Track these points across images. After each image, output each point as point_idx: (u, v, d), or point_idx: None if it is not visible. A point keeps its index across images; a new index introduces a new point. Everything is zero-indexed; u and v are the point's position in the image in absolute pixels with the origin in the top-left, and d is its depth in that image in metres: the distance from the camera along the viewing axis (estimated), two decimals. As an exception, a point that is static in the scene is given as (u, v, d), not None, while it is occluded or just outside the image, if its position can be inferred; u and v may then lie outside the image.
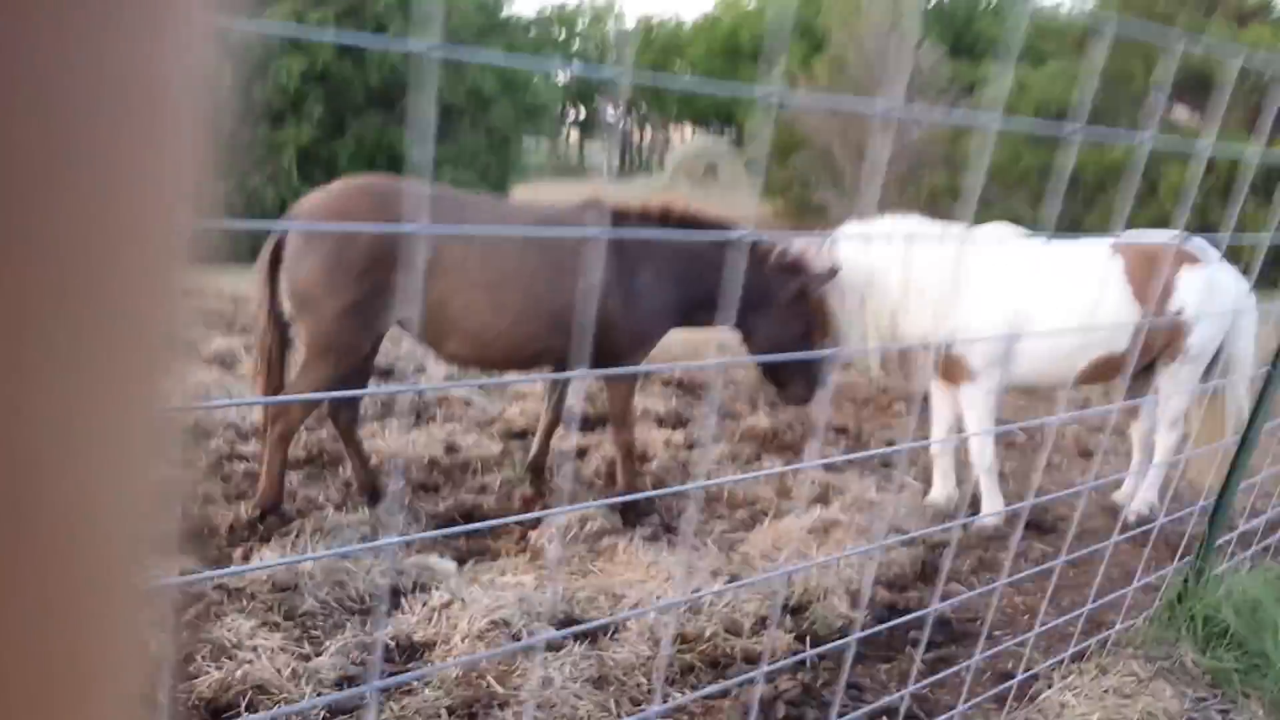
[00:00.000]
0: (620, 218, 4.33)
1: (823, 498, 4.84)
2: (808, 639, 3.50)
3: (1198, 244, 4.76)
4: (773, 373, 4.82)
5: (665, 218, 4.40)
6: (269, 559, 3.64)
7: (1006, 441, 6.13)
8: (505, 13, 17.99)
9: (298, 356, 3.99)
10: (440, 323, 3.95)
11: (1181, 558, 3.75)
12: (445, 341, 4.03)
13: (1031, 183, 19.82)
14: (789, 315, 4.50)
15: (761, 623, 3.55)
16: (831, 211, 23.04)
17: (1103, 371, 4.77)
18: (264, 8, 13.91)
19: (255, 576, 3.52)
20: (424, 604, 3.48)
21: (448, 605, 3.46)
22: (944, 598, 3.99)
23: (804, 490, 4.95)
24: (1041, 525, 4.85)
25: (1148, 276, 4.53)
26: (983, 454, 4.75)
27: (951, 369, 4.81)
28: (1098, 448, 6.03)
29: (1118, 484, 5.32)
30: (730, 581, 3.73)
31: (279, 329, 3.98)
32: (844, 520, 4.35)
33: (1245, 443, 3.40)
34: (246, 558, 3.74)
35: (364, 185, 3.85)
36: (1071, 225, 19.33)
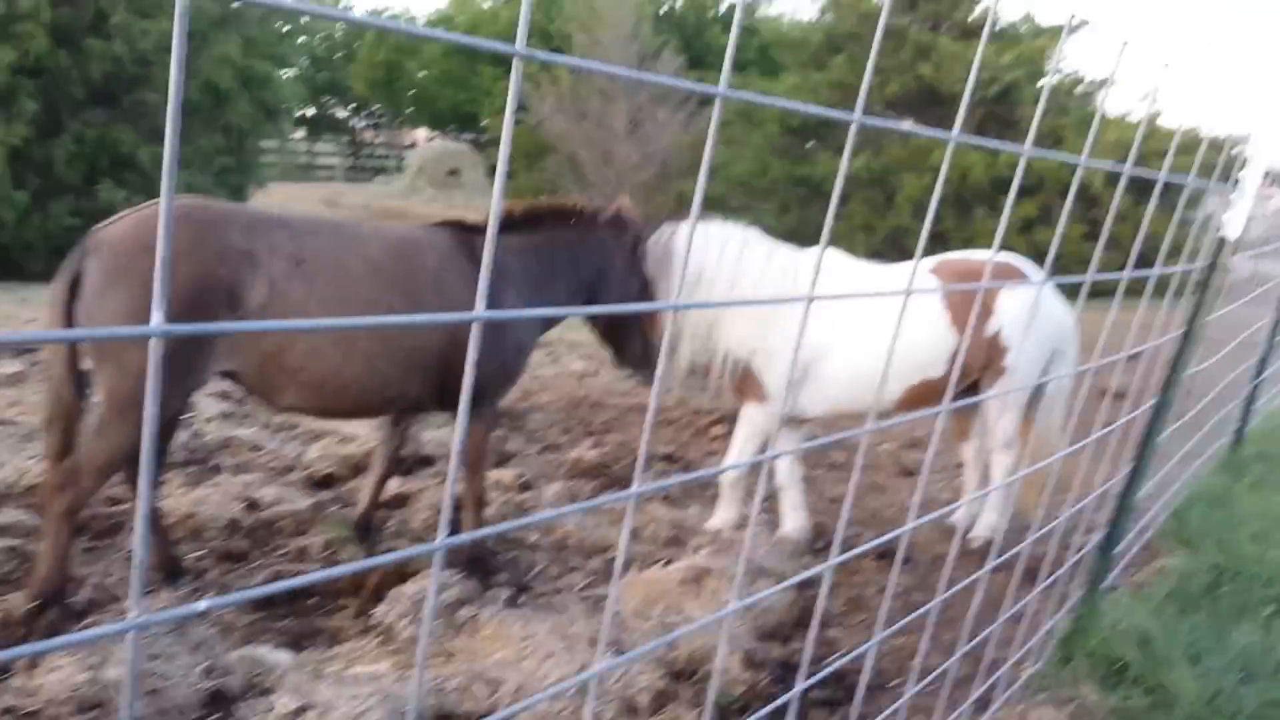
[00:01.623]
0: (478, 231, 3.87)
1: (676, 539, 4.54)
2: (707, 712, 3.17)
3: (1019, 263, 4.76)
4: (611, 335, 4.55)
5: (531, 218, 4.01)
6: (66, 670, 2.92)
7: (829, 463, 6.06)
8: (238, 2, 16.58)
9: (95, 412, 3.24)
10: (277, 371, 3.31)
11: (1043, 585, 3.71)
12: (281, 393, 3.39)
13: (778, 193, 20.46)
14: (626, 274, 4.31)
15: (660, 697, 3.20)
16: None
17: (923, 396, 4.66)
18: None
19: (51, 696, 2.81)
20: (268, 713, 2.90)
21: (300, 713, 2.88)
22: (822, 646, 3.81)
23: (654, 530, 4.63)
24: (889, 552, 4.75)
25: (965, 299, 4.51)
26: (784, 473, 4.79)
27: (747, 386, 4.68)
28: (919, 466, 6.07)
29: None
30: (619, 652, 3.36)
31: (74, 379, 3.23)
32: (713, 567, 4.06)
33: (1137, 472, 3.36)
34: (33, 668, 2.99)
35: (183, 209, 3.14)
36: (817, 232, 20.15)
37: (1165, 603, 3.86)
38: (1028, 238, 17.01)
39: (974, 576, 2.80)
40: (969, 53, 17.83)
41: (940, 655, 3.48)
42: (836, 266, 4.75)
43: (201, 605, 1.03)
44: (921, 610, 2.42)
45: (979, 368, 4.71)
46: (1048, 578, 3.63)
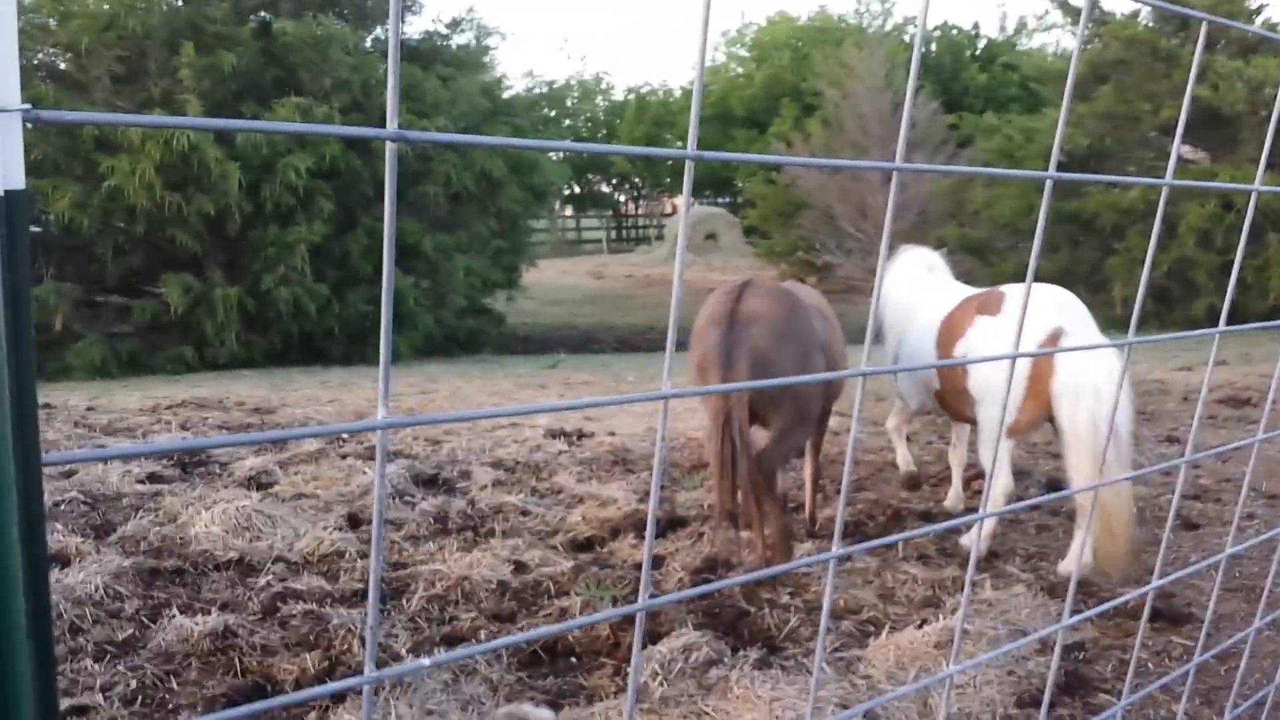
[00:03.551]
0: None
1: (933, 600, 4.43)
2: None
3: (1009, 293, 4.97)
4: None
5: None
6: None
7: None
8: (507, 95, 17.92)
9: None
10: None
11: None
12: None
13: (1047, 231, 19.56)
14: None
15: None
16: (838, 272, 22.81)
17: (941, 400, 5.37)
18: (266, 107, 13.79)
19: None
20: (530, 768, 3.07)
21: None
22: (1088, 714, 3.61)
23: (909, 590, 4.54)
24: (1165, 613, 4.42)
25: (954, 322, 5.07)
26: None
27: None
28: (1202, 519, 5.64)
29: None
30: (865, 715, 3.32)
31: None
32: (970, 629, 3.94)
33: None
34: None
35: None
36: (1091, 272, 19.07)
37: None
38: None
39: (1242, 634, 2.61)
40: (1250, 69, 16.49)
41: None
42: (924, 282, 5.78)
43: (427, 661, 1.16)
44: (1178, 672, 2.29)
45: (949, 389, 5.15)
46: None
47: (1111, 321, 18.41)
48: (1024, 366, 4.52)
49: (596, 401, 1.20)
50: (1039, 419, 4.70)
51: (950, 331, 5.04)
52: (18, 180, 0.79)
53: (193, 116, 12.66)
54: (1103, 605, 2.08)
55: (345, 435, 7.22)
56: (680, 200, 45.85)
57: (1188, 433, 7.72)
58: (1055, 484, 6.28)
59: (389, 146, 0.97)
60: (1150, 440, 7.44)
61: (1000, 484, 4.80)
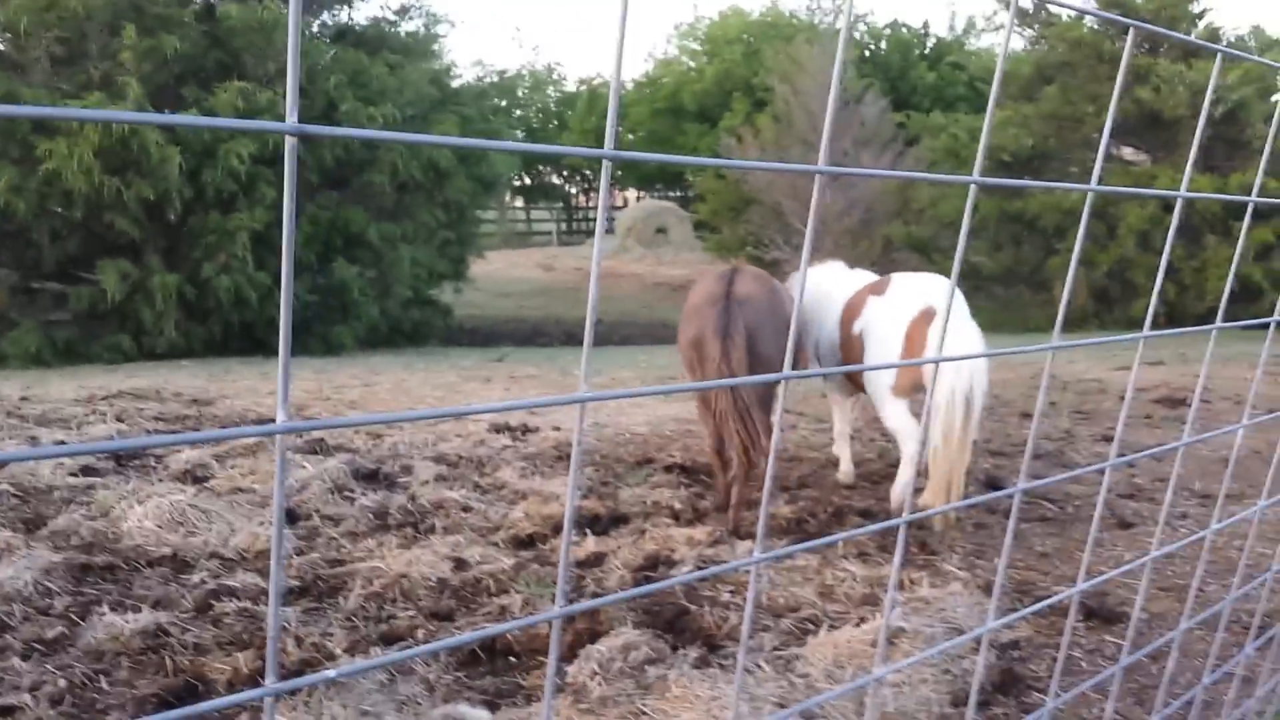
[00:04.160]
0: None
1: (871, 598, 4.46)
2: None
3: (895, 278, 5.67)
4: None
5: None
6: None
7: (1039, 515, 5.81)
8: (456, 84, 17.73)
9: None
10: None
11: (1255, 642, 3.43)
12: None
13: (990, 230, 19.83)
14: None
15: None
16: (785, 267, 22.94)
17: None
18: (209, 91, 13.52)
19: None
20: (467, 768, 3.05)
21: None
22: (1022, 713, 3.66)
23: (848, 588, 4.57)
24: (1098, 612, 4.49)
25: (852, 304, 5.73)
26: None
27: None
28: (1137, 518, 5.74)
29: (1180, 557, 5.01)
30: (802, 715, 3.34)
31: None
32: (908, 627, 3.98)
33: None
34: (253, 723, 3.27)
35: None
36: (1033, 272, 19.35)
37: None
38: (1264, 265, 15.80)
39: (1171, 634, 2.66)
40: (1191, 73, 16.82)
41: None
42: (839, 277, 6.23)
43: (331, 674, 1.12)
44: (1107, 673, 2.32)
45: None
46: (1260, 635, 3.37)
47: (1051, 321, 18.73)
48: (901, 338, 5.24)
49: (510, 405, 1.18)
50: (916, 380, 5.34)
51: (850, 312, 5.73)
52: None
53: (128, 100, 12.39)
54: (1035, 605, 2.10)
55: (285, 428, 7.11)
56: (630, 192, 45.83)
57: (1122, 432, 7.87)
58: (995, 482, 6.37)
59: (288, 141, 0.94)
60: (1086, 439, 7.56)
61: (907, 437, 5.40)
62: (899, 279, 5.63)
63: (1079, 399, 9.24)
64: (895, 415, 5.43)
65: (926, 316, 5.18)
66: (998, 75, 1.50)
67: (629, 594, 1.43)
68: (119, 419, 7.60)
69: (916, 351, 5.13)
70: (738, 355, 5.04)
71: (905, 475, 5.51)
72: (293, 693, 3.39)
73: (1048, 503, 5.98)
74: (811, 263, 6.33)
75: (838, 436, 6.48)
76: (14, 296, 13.66)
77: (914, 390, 5.44)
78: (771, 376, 1.36)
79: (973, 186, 1.56)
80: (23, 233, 13.54)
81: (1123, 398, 9.22)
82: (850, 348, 5.65)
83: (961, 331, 5.06)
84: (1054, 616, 4.35)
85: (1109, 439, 7.58)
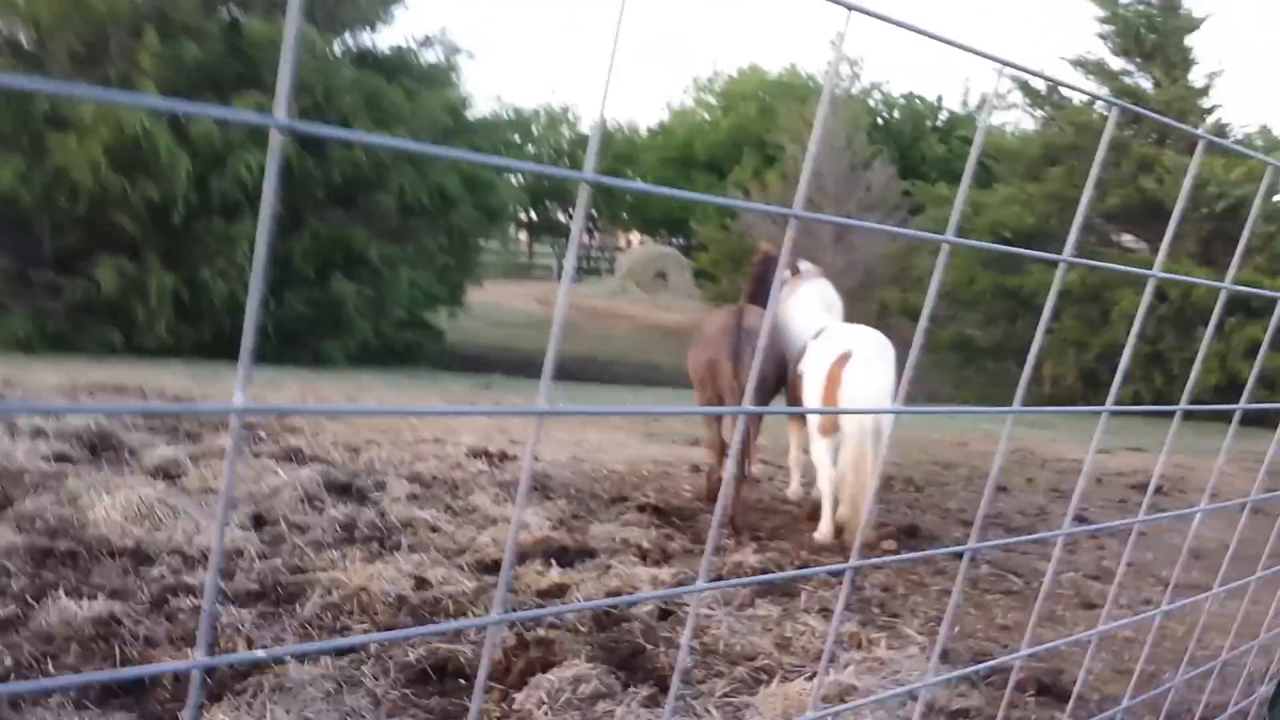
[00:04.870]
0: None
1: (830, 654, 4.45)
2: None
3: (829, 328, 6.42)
4: None
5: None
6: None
7: (1004, 589, 5.82)
8: (471, 116, 17.94)
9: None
10: None
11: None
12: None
13: (985, 303, 19.97)
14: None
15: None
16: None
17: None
18: (225, 101, 13.64)
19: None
20: (401, 785, 3.03)
21: (430, 789, 3.01)
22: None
23: (806, 641, 4.57)
24: (1052, 689, 4.49)
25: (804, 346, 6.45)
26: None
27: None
28: (1102, 600, 5.75)
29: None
30: (747, 761, 3.33)
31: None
32: (859, 685, 3.97)
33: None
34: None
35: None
36: (1025, 348, 19.44)
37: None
38: (1250, 363, 15.89)
39: (1111, 712, 2.66)
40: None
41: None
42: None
43: (262, 653, 1.14)
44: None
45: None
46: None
47: (1039, 399, 18.79)
48: (823, 378, 5.99)
49: (460, 410, 1.21)
50: (835, 421, 6.03)
51: (800, 354, 6.42)
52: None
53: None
54: (976, 667, 2.11)
55: (263, 435, 7.12)
56: (634, 235, 46.11)
57: (1096, 514, 7.89)
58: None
59: (274, 136, 0.97)
60: (1058, 515, 7.58)
61: (822, 473, 6.23)
62: (833, 327, 6.39)
63: (1057, 477, 9.27)
64: (817, 452, 6.21)
65: (844, 360, 5.92)
66: (976, 144, 1.54)
67: (564, 608, 1.44)
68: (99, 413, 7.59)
69: (834, 390, 5.88)
70: (745, 374, 5.87)
71: (825, 510, 6.24)
72: (236, 692, 3.38)
73: (1014, 576, 5.99)
74: (808, 279, 7.11)
75: (792, 463, 7.36)
76: (9, 283, 13.68)
77: (834, 429, 6.12)
78: (730, 409, 1.39)
79: (945, 246, 1.59)
80: (25, 222, 13.61)
81: (1100, 481, 9.26)
82: (794, 386, 6.38)
83: (873, 373, 5.83)
84: (1005, 689, 4.34)
85: (1081, 519, 7.61)
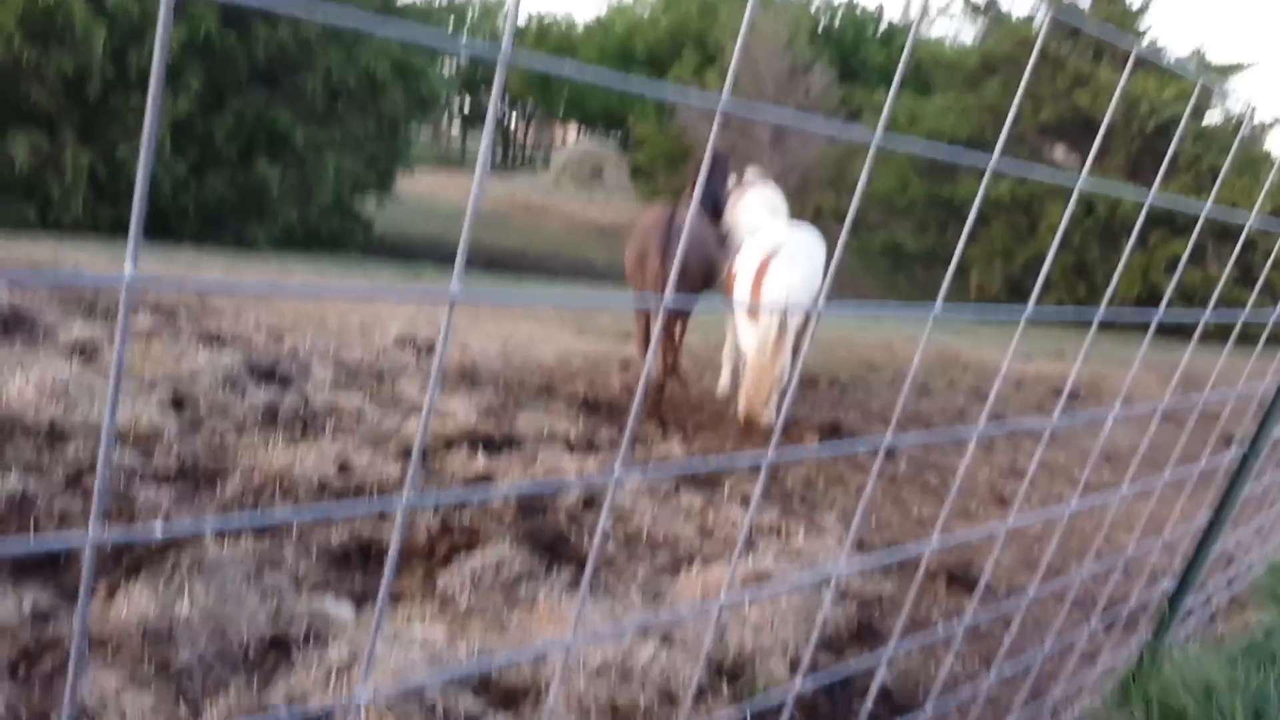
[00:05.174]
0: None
1: (748, 541, 4.55)
2: (748, 710, 3.20)
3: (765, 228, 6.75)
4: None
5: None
6: (139, 598, 3.14)
7: (921, 483, 5.98)
8: (401, 2, 17.23)
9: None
10: None
11: (1099, 620, 3.60)
12: None
13: (918, 211, 20.12)
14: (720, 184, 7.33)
15: (701, 691, 3.24)
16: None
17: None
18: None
19: (123, 622, 3.03)
20: (319, 661, 3.05)
21: (351, 665, 3.03)
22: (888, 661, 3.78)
23: (730, 531, 4.66)
24: (962, 578, 4.66)
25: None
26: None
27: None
28: (1014, 497, 5.93)
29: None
30: (662, 641, 3.41)
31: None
32: (776, 571, 4.07)
33: (1216, 521, 3.23)
34: (112, 594, 3.22)
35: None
36: (950, 257, 19.71)
37: (1241, 657, 3.69)
38: (1171, 276, 16.30)
39: (1016, 600, 2.76)
40: (1130, 84, 17.19)
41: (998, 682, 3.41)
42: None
43: (158, 531, 1.11)
44: (941, 633, 2.41)
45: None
46: (1109, 616, 3.53)
47: (966, 305, 19.09)
48: (752, 275, 6.26)
49: (368, 291, 1.17)
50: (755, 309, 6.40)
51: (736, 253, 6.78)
52: None
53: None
54: (888, 557, 2.16)
55: (184, 319, 6.94)
56: (570, 131, 45.39)
57: (1015, 417, 8.11)
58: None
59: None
60: (976, 416, 7.77)
61: (731, 344, 7.08)
62: (770, 226, 6.73)
63: (978, 381, 9.47)
64: (743, 336, 6.52)
65: (773, 254, 6.27)
66: (907, 48, 1.51)
67: (486, 494, 1.43)
68: (8, 288, 7.33)
69: (761, 280, 6.19)
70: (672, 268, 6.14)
71: (724, 373, 7.25)
72: (154, 567, 3.35)
73: (932, 474, 6.15)
74: (754, 186, 7.31)
75: (725, 356, 7.52)
76: (-85, 155, 13.06)
77: (755, 316, 6.48)
78: (647, 302, 1.37)
79: (873, 146, 1.57)
80: (-70, 92, 12.93)
81: (1019, 385, 9.49)
82: (729, 283, 6.70)
83: (796, 267, 6.15)
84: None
85: (1000, 417, 7.82)
